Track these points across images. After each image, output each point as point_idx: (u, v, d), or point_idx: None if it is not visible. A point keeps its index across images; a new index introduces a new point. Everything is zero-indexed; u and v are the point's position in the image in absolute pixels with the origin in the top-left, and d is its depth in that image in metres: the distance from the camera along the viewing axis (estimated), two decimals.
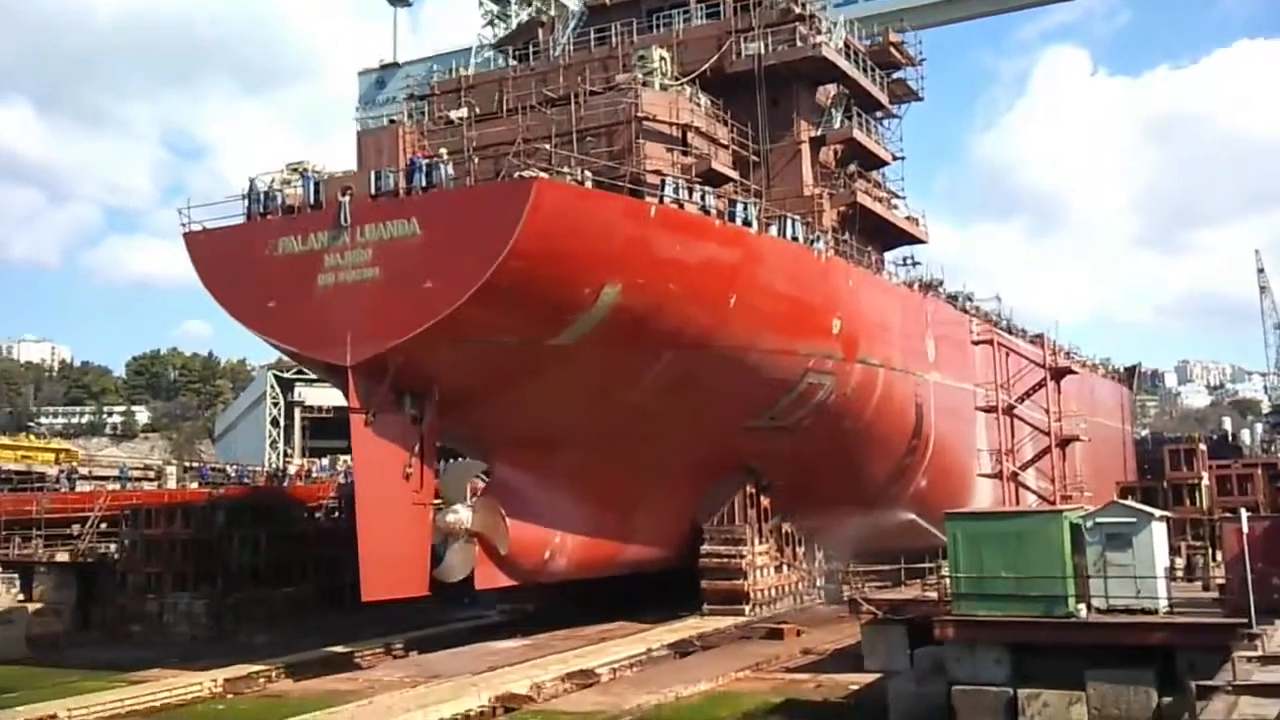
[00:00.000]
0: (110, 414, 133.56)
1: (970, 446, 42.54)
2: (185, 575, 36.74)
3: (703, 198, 28.21)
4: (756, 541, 35.66)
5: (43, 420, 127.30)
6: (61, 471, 50.25)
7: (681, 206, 27.88)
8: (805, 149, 36.15)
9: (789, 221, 31.18)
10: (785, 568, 37.64)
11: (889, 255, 42.59)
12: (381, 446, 27.09)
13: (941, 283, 43.09)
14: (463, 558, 29.69)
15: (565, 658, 27.67)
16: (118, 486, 47.06)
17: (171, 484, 47.23)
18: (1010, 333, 46.80)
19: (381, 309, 26.30)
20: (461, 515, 29.58)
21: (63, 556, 39.10)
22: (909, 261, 42.78)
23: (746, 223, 29.44)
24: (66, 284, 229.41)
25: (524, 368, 27.91)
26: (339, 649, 30.17)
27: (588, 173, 27.63)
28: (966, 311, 45.40)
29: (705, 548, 35.08)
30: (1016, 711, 19.28)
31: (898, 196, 43.61)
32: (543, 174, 25.26)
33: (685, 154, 31.81)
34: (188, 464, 55.67)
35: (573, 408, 29.85)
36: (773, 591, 36.32)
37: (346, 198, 26.94)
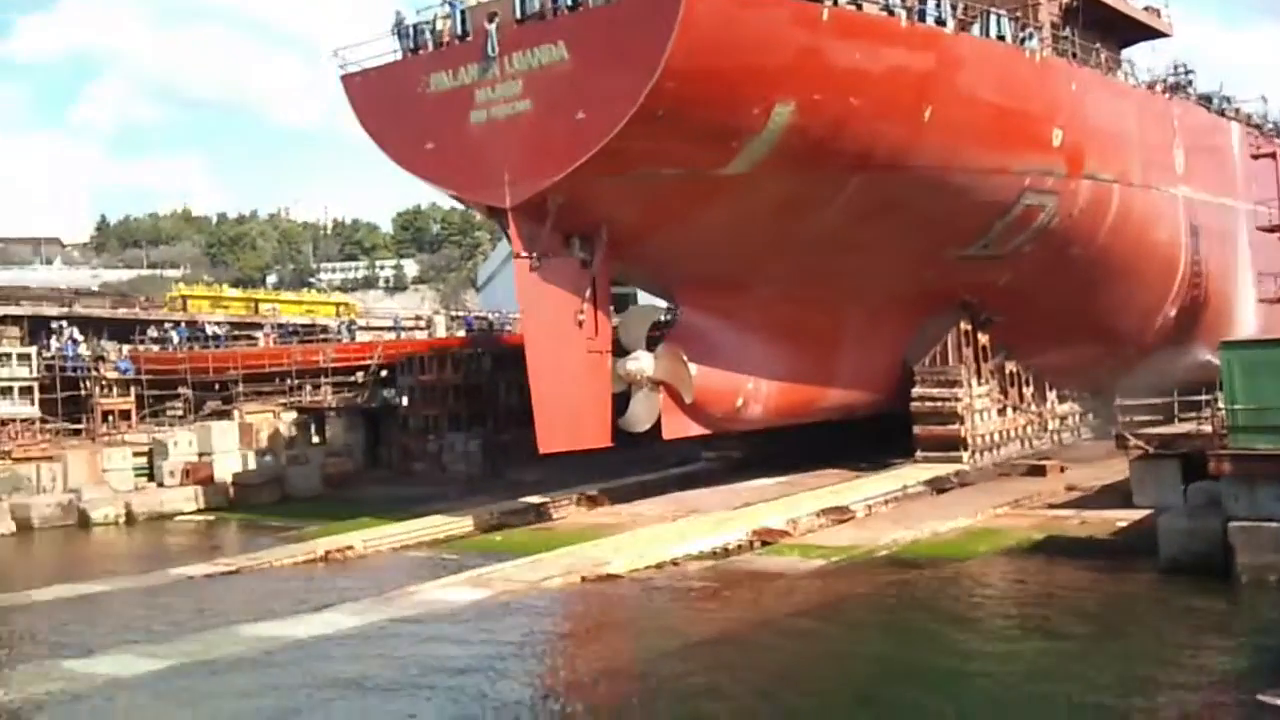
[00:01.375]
0: (382, 268, 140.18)
1: (1230, 270, 37.75)
2: (459, 417, 39.44)
3: None
4: (974, 383, 33.01)
5: (322, 276, 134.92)
6: (342, 323, 53.78)
7: (859, 8, 24.83)
8: None
9: (993, 18, 27.45)
10: (1010, 411, 34.84)
11: (1126, 54, 37.42)
12: (550, 293, 26.17)
13: (1190, 82, 37.61)
14: (647, 407, 28.74)
15: (819, 494, 28.09)
16: (393, 336, 49.88)
17: (440, 333, 48.88)
18: None
19: (536, 145, 25.01)
20: (642, 363, 28.52)
21: (350, 402, 42.32)
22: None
23: (940, 22, 26.06)
24: (329, 147, 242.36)
25: (695, 202, 26.11)
26: (597, 487, 31.09)
27: None
28: (1225, 115, 39.68)
29: (916, 390, 32.83)
30: None
31: None
32: None
33: None
34: (454, 313, 58.08)
35: (758, 243, 27.90)
36: (995, 437, 33.73)
37: (493, 25, 25.49)
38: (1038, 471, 30.49)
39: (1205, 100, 38.82)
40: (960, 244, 30.24)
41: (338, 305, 67.40)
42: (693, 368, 29.17)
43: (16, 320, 43.39)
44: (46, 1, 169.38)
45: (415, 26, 27.57)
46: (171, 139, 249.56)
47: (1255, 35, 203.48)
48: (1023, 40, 28.34)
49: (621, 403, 28.75)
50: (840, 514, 25.92)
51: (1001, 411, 34.32)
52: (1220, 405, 19.87)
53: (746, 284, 29.53)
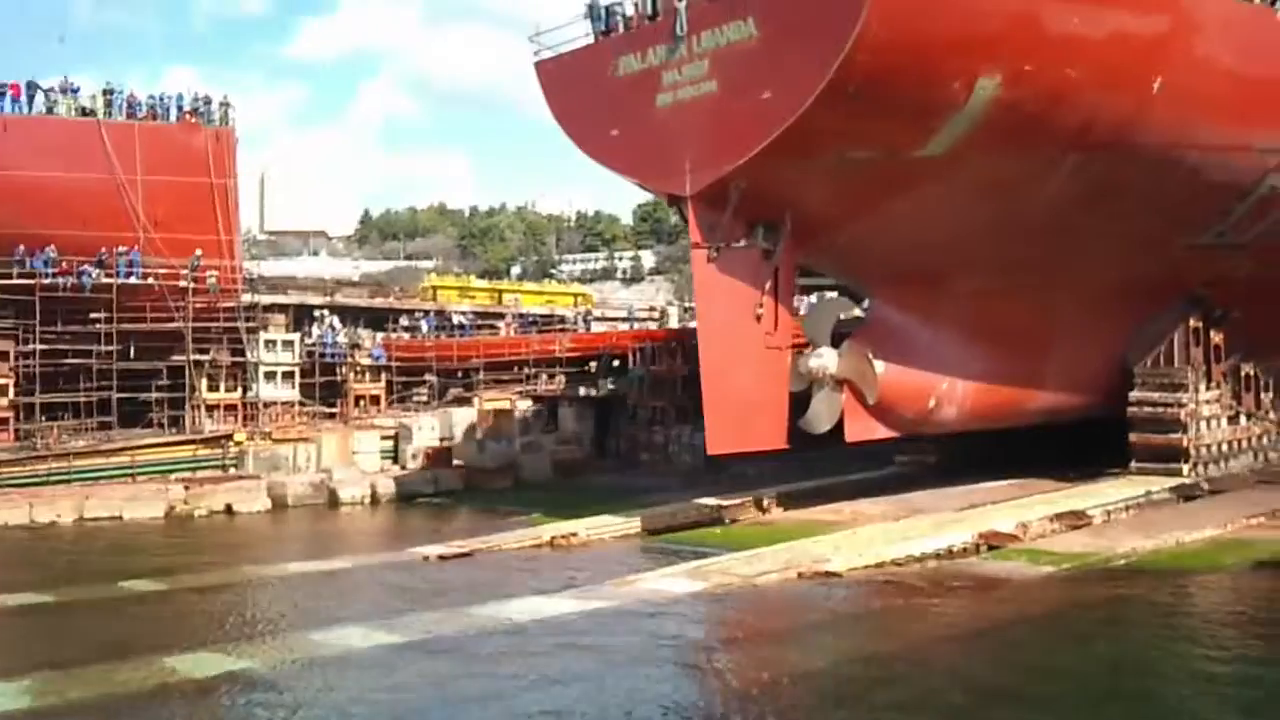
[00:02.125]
0: (620, 259, 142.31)
1: None
2: (685, 408, 38.36)
3: None
4: (1202, 387, 29.88)
5: (563, 267, 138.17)
6: (578, 313, 54.90)
7: None
8: None
9: None
10: (1244, 418, 31.45)
11: None
12: (728, 285, 24.79)
13: None
14: (829, 407, 27.05)
15: (1052, 498, 26.81)
16: (626, 327, 50.61)
17: (674, 323, 49.09)
18: None
19: (719, 127, 23.67)
20: (825, 359, 26.85)
21: (581, 392, 43.19)
22: None
23: None
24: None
25: (890, 186, 24.23)
26: (821, 482, 30.71)
27: None
28: None
29: (1135, 394, 29.90)
30: None
31: None
32: None
33: None
34: (687, 304, 58.76)
35: (958, 231, 25.78)
36: (1224, 448, 30.47)
37: (683, 3, 24.24)
38: None
39: None
40: (1192, 231, 27.30)
41: (575, 296, 68.83)
42: (880, 365, 27.33)
43: (283, 309, 45.81)
44: (329, 6, 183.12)
45: (608, 8, 26.62)
46: (434, 134, 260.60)
47: None
48: (1275, 1, 25.11)
49: (803, 403, 27.16)
50: (1075, 519, 24.51)
51: (1233, 419, 30.98)
52: None
53: (945, 276, 27.45)
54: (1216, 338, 30.46)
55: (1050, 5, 21.86)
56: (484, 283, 73.29)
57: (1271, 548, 21.69)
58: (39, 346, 36.77)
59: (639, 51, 25.22)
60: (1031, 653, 16.33)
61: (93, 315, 37.73)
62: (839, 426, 26.95)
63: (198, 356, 39.01)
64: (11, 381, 37.09)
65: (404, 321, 50.97)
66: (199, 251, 39.16)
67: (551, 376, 44.38)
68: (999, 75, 21.97)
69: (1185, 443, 29.13)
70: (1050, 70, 22.32)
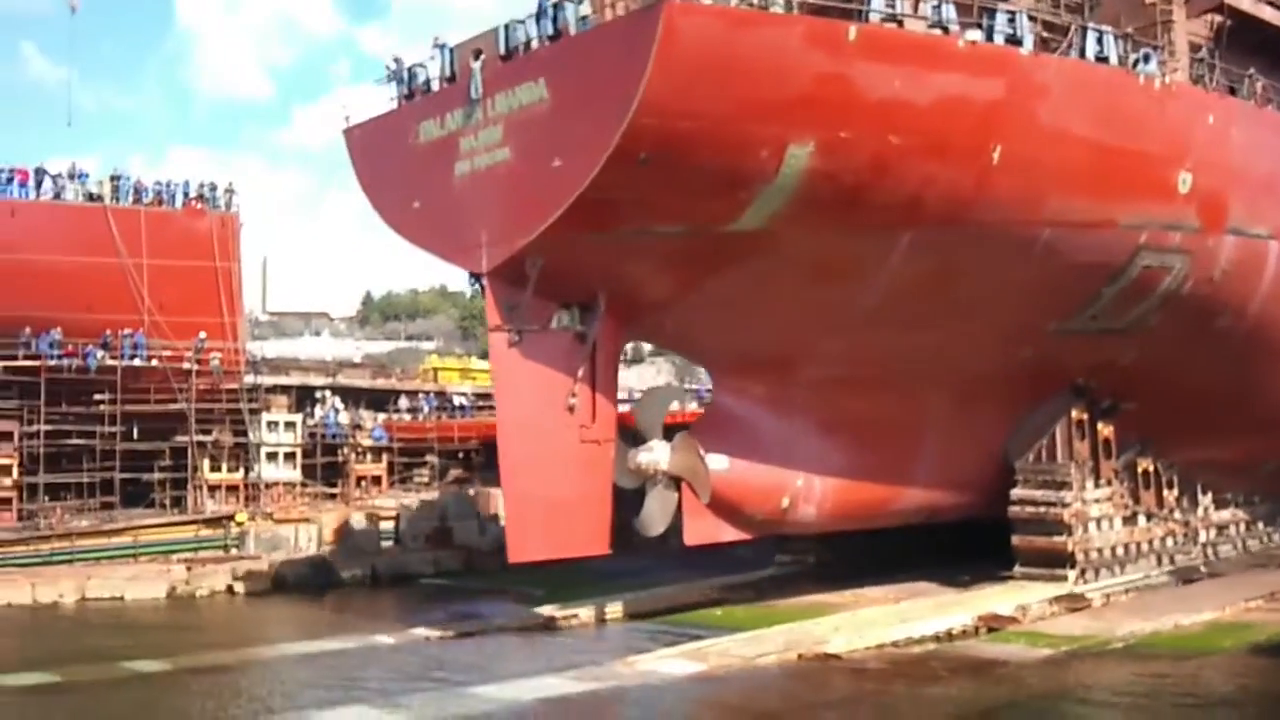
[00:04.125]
0: None
1: None
2: None
3: (937, 9, 21.04)
4: (1090, 484, 28.04)
5: None
6: None
7: (900, 24, 20.94)
8: None
9: (1091, 35, 23.00)
10: (1144, 519, 29.57)
11: None
12: (534, 372, 23.00)
13: None
14: (662, 506, 25.18)
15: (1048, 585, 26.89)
16: (627, 408, 51.57)
17: None
18: None
19: (513, 198, 22.12)
20: (656, 454, 25.02)
21: None
22: None
23: (1014, 41, 21.84)
24: None
25: (707, 264, 22.63)
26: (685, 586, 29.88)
27: None
28: None
29: (1016, 492, 28.06)
30: None
31: None
32: None
33: None
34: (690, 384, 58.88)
35: (796, 314, 24.15)
36: (1118, 551, 28.55)
37: (478, 64, 22.80)
38: None
39: None
40: (1061, 315, 25.65)
41: None
42: (723, 461, 25.51)
43: (286, 390, 46.92)
44: (326, 92, 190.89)
45: (411, 70, 25.18)
46: None
47: None
48: (1135, 63, 23.71)
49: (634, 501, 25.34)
50: (1074, 602, 25.54)
51: (1130, 519, 29.08)
52: None
53: (792, 362, 25.76)
54: (1106, 431, 28.68)
55: (865, 66, 20.37)
56: (485, 364, 72.49)
57: (1269, 631, 22.54)
58: (43, 427, 38.19)
59: (438, 117, 23.77)
60: None
61: (97, 396, 39.21)
62: None
63: (200, 437, 40.18)
64: (15, 462, 38.20)
65: (405, 402, 51.77)
66: (203, 334, 40.71)
67: None
68: (811, 143, 20.41)
69: (1070, 546, 27.23)
70: (870, 138, 20.78)
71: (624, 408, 28.05)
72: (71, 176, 41.48)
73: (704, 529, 25.66)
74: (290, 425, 43.20)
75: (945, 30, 21.20)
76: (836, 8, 21.24)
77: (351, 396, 51.12)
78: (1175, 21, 26.23)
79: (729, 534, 26.29)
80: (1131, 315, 25.94)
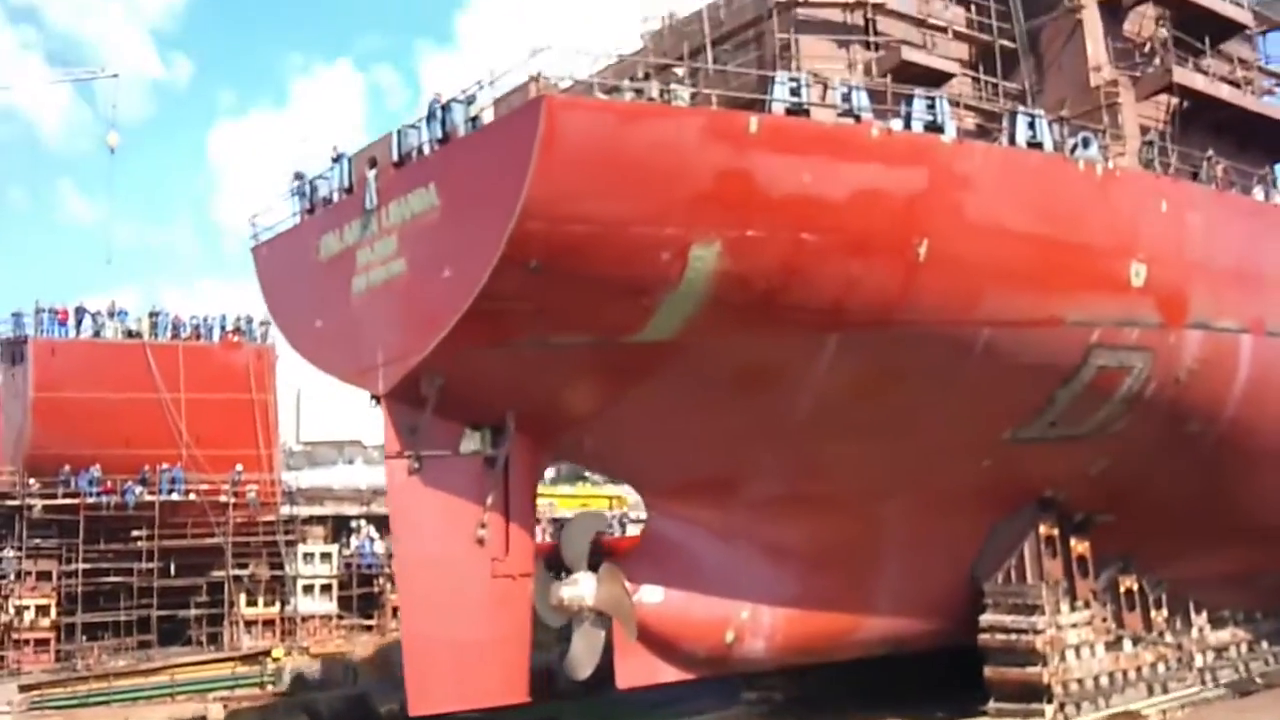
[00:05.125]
0: None
1: None
2: None
3: (847, 97, 20.10)
4: (1065, 606, 26.13)
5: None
6: (614, 516, 53.60)
7: (807, 114, 19.98)
8: (1090, 17, 26.22)
9: (1022, 120, 22.00)
10: (1130, 643, 27.56)
11: None
12: (436, 502, 21.51)
13: None
14: (588, 646, 23.41)
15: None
16: None
17: None
18: None
19: (408, 313, 21.03)
20: (581, 588, 23.33)
21: None
22: None
23: (935, 128, 20.83)
24: None
25: (620, 377, 21.35)
26: None
27: (684, 88, 20.57)
28: None
29: (985, 618, 26.18)
30: None
31: None
32: (559, 88, 18.60)
33: (870, 47, 23.68)
34: None
35: (727, 429, 22.77)
36: (1101, 681, 26.48)
37: (373, 173, 21.95)
38: None
39: None
40: (1015, 422, 24.16)
41: (611, 499, 68.26)
42: (658, 593, 23.86)
43: (321, 520, 47.48)
44: None
45: (313, 182, 24.41)
46: None
47: None
48: (1074, 148, 22.67)
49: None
50: (1129, 718, 25.16)
51: (1114, 645, 27.07)
52: None
53: (731, 482, 24.29)
54: (1080, 547, 26.88)
55: (770, 159, 19.34)
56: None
57: None
58: (81, 565, 39.36)
59: (337, 230, 22.87)
60: None
61: (134, 533, 40.56)
62: None
63: (237, 571, 41.24)
64: (54, 601, 39.12)
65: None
66: (239, 466, 41.88)
67: None
68: (717, 244, 19.28)
69: (1046, 678, 25.18)
70: (782, 237, 19.66)
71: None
72: (111, 314, 43.61)
73: (638, 670, 23.84)
74: (326, 556, 43.81)
75: (857, 119, 20.20)
76: (742, 98, 20.41)
77: (386, 525, 50.74)
78: (1122, 104, 25.30)
79: (667, 674, 24.47)
80: (1093, 421, 24.44)
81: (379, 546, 46.07)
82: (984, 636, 25.87)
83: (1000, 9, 25.77)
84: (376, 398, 22.14)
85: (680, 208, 19.05)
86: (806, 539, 25.04)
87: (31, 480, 40.58)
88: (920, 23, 24.75)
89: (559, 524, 45.92)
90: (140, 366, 41.82)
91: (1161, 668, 28.00)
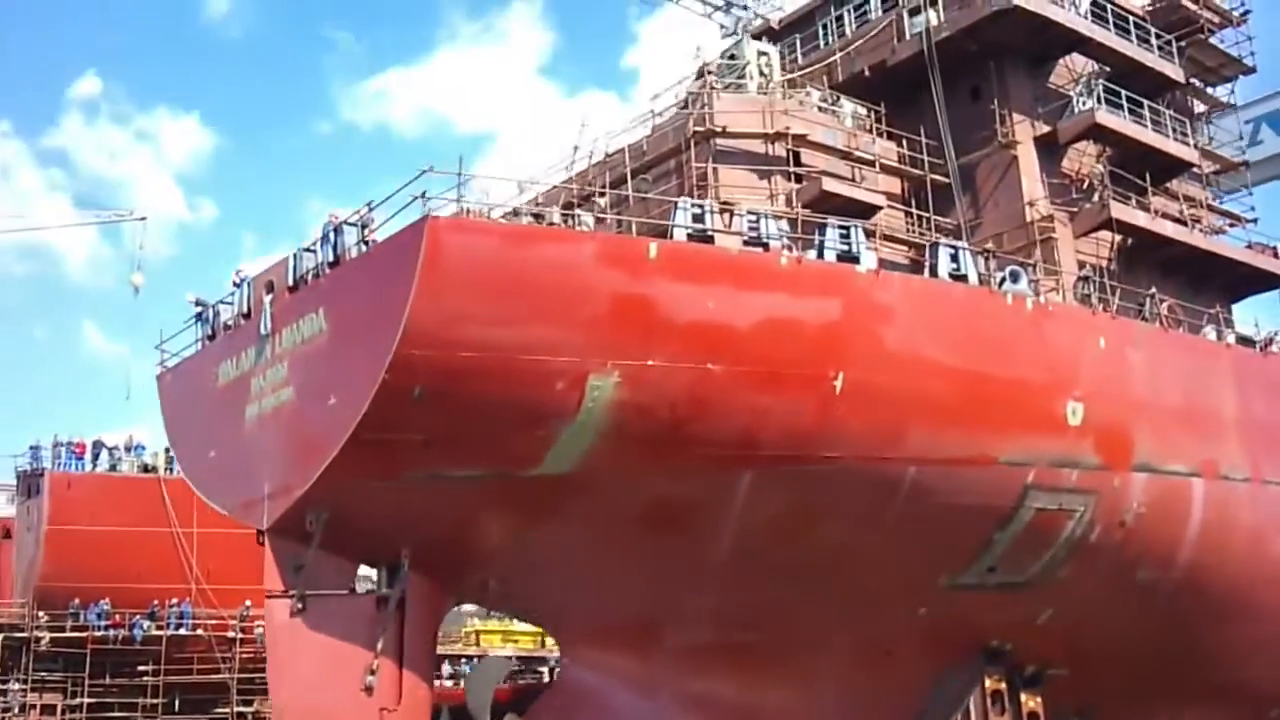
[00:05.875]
0: None
1: None
2: None
3: (755, 225, 19.46)
4: None
5: None
6: None
7: (710, 240, 19.30)
8: (1025, 152, 25.87)
9: (944, 252, 21.34)
10: None
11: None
12: (320, 646, 20.19)
13: None
14: None
15: None
16: None
17: None
18: None
19: (292, 443, 20.04)
20: None
21: None
22: None
23: (849, 258, 20.13)
24: None
25: (516, 513, 20.25)
26: None
27: (591, 218, 19.98)
28: None
29: None
30: None
31: (1236, 219, 31.27)
32: (445, 209, 17.94)
33: (792, 178, 23.18)
34: None
35: (639, 569, 21.62)
36: None
37: (269, 297, 21.22)
38: None
39: None
40: (950, 568, 22.93)
41: (543, 635, 66.33)
42: None
43: None
44: None
45: (214, 307, 23.71)
46: None
47: None
48: (1001, 281, 21.95)
49: None
50: None
51: None
52: None
53: (652, 627, 22.99)
54: (1031, 702, 25.26)
55: (670, 286, 18.60)
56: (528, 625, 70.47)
57: None
58: (86, 700, 39.30)
59: (234, 357, 22.04)
60: None
61: (140, 667, 40.75)
62: None
63: (241, 709, 40.98)
64: None
65: (447, 668, 50.51)
66: (248, 602, 40.87)
67: None
68: (615, 374, 18.39)
69: None
70: (685, 366, 18.77)
71: None
72: (128, 449, 44.35)
73: None
74: None
75: (765, 247, 19.51)
76: (662, 225, 19.80)
77: None
78: (1059, 239, 24.71)
79: None
80: (1035, 568, 23.20)
81: None
82: None
83: (932, 144, 25.40)
84: (261, 534, 21.02)
85: (576, 336, 18.22)
86: (735, 693, 23.62)
87: (40, 613, 40.78)
88: (846, 155, 24.29)
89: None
90: (154, 501, 42.07)
91: None
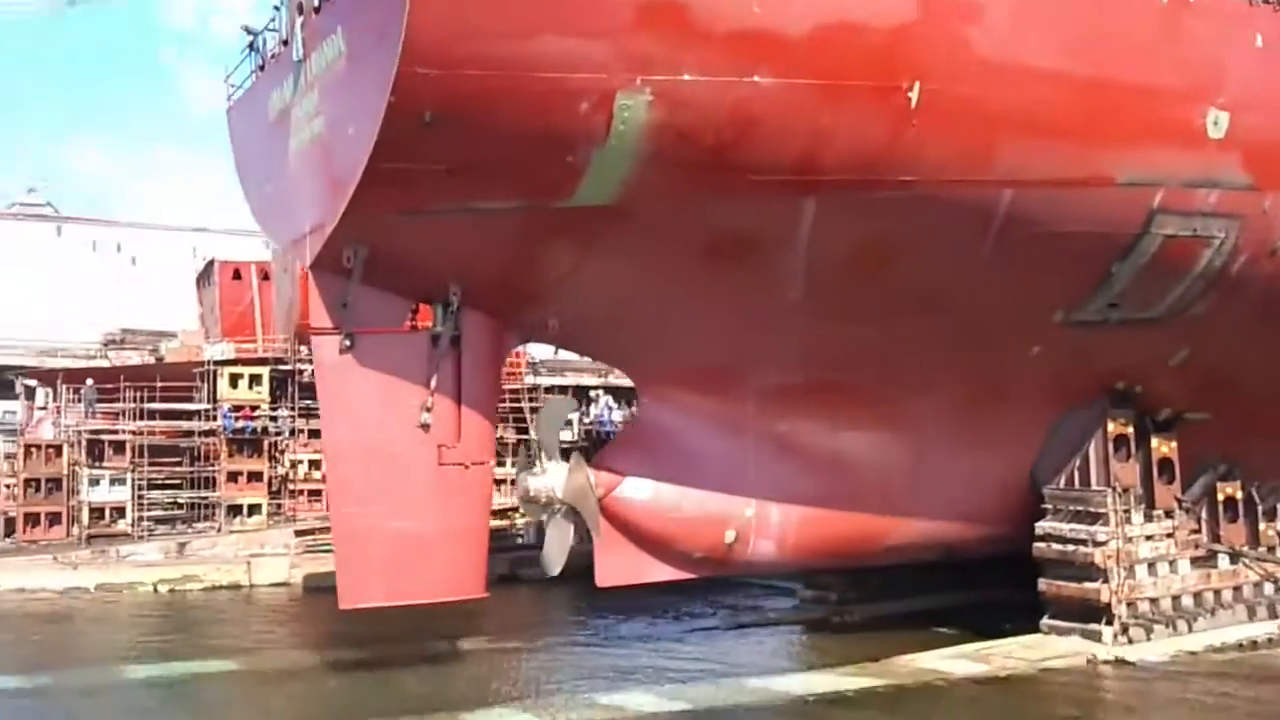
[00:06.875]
0: None
1: None
2: None
3: None
4: (1135, 515, 22.74)
5: None
6: None
7: None
8: None
9: None
10: (1227, 559, 23.99)
11: None
12: (374, 383, 19.86)
13: None
14: (559, 540, 21.64)
15: None
16: None
17: None
18: None
19: (324, 175, 19.16)
20: (550, 478, 21.47)
21: None
22: None
23: None
24: None
25: (563, 249, 19.03)
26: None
27: None
28: None
29: (1042, 525, 23.17)
30: None
31: None
32: None
33: None
34: None
35: (708, 307, 20.28)
36: (1184, 602, 23.14)
37: (299, 19, 19.93)
38: None
39: None
40: (1065, 303, 20.72)
41: None
42: (646, 486, 21.84)
43: (563, 389, 47.66)
44: None
45: (262, 35, 22.68)
46: None
47: None
48: None
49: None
50: None
51: (1204, 561, 23.55)
52: None
53: (735, 370, 21.81)
54: (1165, 448, 23.27)
55: None
56: None
57: None
58: None
59: (279, 87, 21.06)
60: None
61: None
62: None
63: None
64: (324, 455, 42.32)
65: None
66: None
67: None
68: (646, 91, 16.46)
69: (1105, 596, 22.09)
70: (726, 81, 16.63)
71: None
72: None
73: (620, 568, 22.00)
74: (568, 423, 42.19)
75: None
76: None
77: (624, 396, 51.21)
78: None
79: (656, 573, 22.52)
80: (1166, 302, 20.71)
81: (617, 415, 47.23)
82: (1039, 546, 22.98)
83: None
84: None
85: (597, 49, 16.25)
86: (824, 433, 22.45)
87: (302, 347, 40.90)
88: None
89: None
90: None
91: (1270, 588, 24.32)
